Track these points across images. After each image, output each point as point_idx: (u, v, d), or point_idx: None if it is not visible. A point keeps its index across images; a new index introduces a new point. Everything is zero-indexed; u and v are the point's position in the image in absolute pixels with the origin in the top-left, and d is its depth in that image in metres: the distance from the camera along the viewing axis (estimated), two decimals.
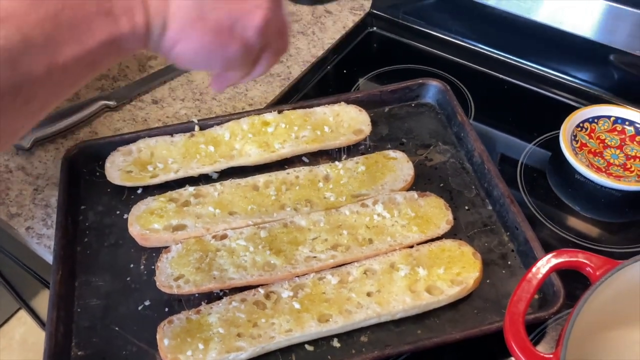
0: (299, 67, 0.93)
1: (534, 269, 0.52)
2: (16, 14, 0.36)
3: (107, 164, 0.75)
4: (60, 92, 0.43)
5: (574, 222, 0.75)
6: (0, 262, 1.25)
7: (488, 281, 0.66)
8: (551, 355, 0.47)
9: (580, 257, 0.52)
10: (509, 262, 0.67)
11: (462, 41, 0.96)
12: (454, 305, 0.64)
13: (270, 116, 0.79)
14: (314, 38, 0.98)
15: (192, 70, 0.49)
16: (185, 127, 0.79)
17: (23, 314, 1.73)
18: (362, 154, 0.78)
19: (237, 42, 0.46)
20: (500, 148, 0.84)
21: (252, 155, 0.76)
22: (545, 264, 0.52)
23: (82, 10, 0.39)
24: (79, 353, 0.62)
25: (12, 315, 1.78)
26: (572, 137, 0.79)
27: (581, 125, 0.80)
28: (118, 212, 0.73)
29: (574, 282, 0.62)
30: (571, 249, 0.54)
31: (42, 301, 1.49)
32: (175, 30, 0.43)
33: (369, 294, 0.63)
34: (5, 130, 0.39)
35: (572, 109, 0.83)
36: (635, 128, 0.80)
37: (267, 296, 0.63)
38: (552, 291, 0.62)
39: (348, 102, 0.81)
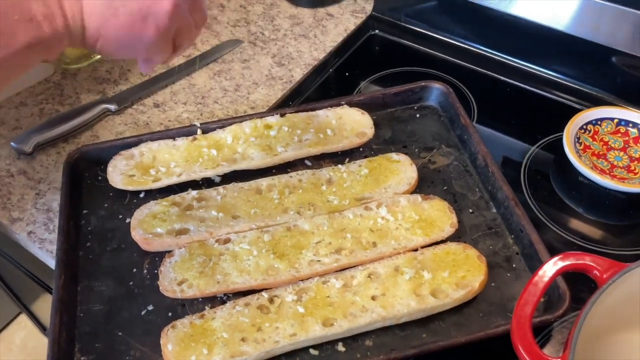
0: (301, 70, 0.93)
1: (540, 272, 0.52)
2: None
3: (109, 168, 0.75)
4: None
5: (578, 224, 0.75)
6: (0, 266, 1.24)
7: (493, 284, 0.65)
8: (559, 359, 0.46)
9: (587, 260, 0.51)
10: (514, 265, 0.67)
11: (464, 43, 0.96)
12: (459, 309, 0.63)
13: (272, 119, 0.79)
14: (315, 41, 0.98)
15: (119, 58, 0.57)
16: (187, 131, 0.78)
17: (23, 319, 1.73)
18: (365, 157, 0.78)
19: (151, 29, 0.51)
20: (503, 151, 0.83)
21: (255, 158, 0.76)
22: (551, 266, 0.52)
23: (6, 18, 0.45)
24: (82, 358, 0.61)
25: (12, 320, 1.77)
26: (576, 140, 0.79)
27: (584, 127, 0.80)
28: (120, 217, 0.72)
29: (579, 285, 0.62)
30: (577, 251, 0.54)
31: (43, 305, 1.48)
32: (93, 29, 0.49)
33: (373, 298, 0.63)
34: None
35: (575, 111, 0.82)
36: (639, 130, 0.80)
37: (271, 300, 0.63)
38: (558, 294, 0.62)
39: (351, 104, 0.81)
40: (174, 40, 0.57)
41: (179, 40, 0.57)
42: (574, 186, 0.77)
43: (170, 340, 0.60)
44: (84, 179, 0.76)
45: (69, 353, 0.61)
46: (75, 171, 0.75)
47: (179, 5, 0.52)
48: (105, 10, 0.48)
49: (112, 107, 0.86)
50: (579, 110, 0.82)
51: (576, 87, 0.89)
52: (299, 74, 0.93)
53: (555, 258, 0.53)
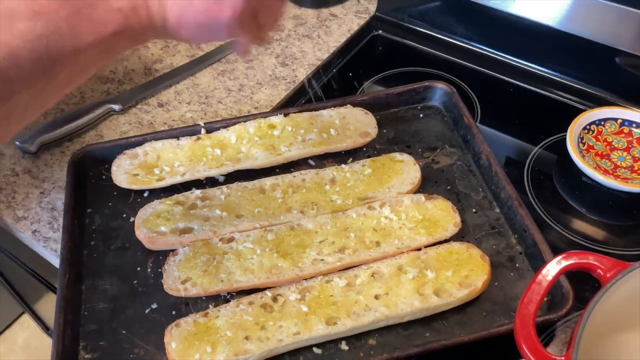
0: (305, 71, 0.93)
1: (544, 271, 0.52)
2: (49, 10, 0.47)
3: (114, 167, 0.75)
4: (81, 72, 0.53)
5: (581, 224, 0.75)
6: (4, 266, 1.24)
7: (496, 284, 0.66)
8: (563, 358, 0.47)
9: (590, 259, 0.51)
10: (517, 265, 0.67)
11: (468, 44, 0.96)
12: (462, 308, 0.64)
13: (276, 119, 0.79)
14: (319, 41, 0.98)
15: (206, 42, 0.59)
16: (191, 130, 0.79)
17: (26, 319, 1.73)
18: (369, 156, 0.78)
19: (228, 10, 0.53)
20: (506, 151, 0.83)
21: (259, 158, 0.76)
22: (555, 265, 0.52)
23: (97, 9, 0.50)
24: (87, 356, 0.62)
25: (15, 320, 1.78)
26: (579, 140, 0.79)
27: (588, 127, 0.80)
28: (124, 215, 0.73)
29: (583, 285, 0.62)
30: (581, 250, 0.54)
31: (46, 306, 1.49)
32: (174, 19, 0.53)
33: (376, 297, 0.63)
34: (35, 102, 0.50)
35: (579, 111, 0.83)
36: None
37: (275, 299, 0.63)
38: (561, 293, 0.62)
39: (354, 104, 0.81)
40: (256, 19, 0.58)
41: (262, 18, 0.59)
42: (577, 186, 0.77)
43: (174, 338, 0.60)
44: (89, 178, 0.77)
45: (73, 351, 0.62)
46: (79, 170, 0.76)
47: None
48: (182, 1, 0.52)
49: (117, 106, 0.86)
50: (582, 111, 0.82)
51: (580, 87, 0.89)
52: (302, 74, 0.93)
53: (559, 257, 0.53)
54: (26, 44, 0.46)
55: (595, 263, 0.51)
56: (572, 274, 0.59)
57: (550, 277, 0.51)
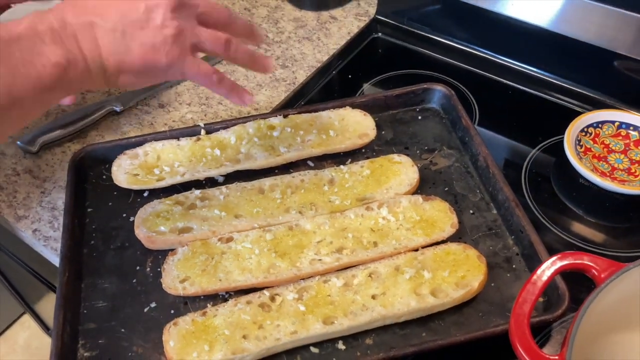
0: (304, 72, 0.94)
1: (539, 271, 0.52)
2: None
3: (114, 167, 0.76)
4: (15, 122, 0.54)
5: (578, 226, 0.75)
6: (4, 266, 1.25)
7: (493, 284, 0.66)
8: (557, 357, 0.47)
9: (585, 260, 0.52)
10: (514, 266, 0.68)
11: (467, 47, 0.96)
12: (459, 308, 0.64)
13: (276, 120, 0.80)
14: (319, 43, 0.99)
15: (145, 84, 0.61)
16: (191, 131, 0.79)
17: (27, 319, 1.74)
18: (367, 157, 0.78)
19: (162, 55, 0.55)
20: (504, 153, 0.84)
21: (258, 158, 0.76)
22: (550, 265, 0.52)
23: (35, 64, 0.51)
24: (85, 354, 0.62)
25: (15, 320, 1.78)
26: (577, 142, 0.79)
27: (585, 130, 0.81)
28: (124, 215, 0.73)
29: (579, 286, 0.63)
30: (576, 251, 0.54)
31: (46, 306, 1.49)
32: (113, 67, 0.54)
33: (373, 297, 0.63)
34: None
35: (576, 114, 0.83)
36: None
37: (273, 298, 0.64)
38: (557, 294, 0.62)
39: (353, 106, 0.82)
40: (196, 48, 0.59)
41: (200, 47, 0.59)
42: (575, 188, 0.78)
43: (172, 337, 0.60)
44: (89, 177, 0.77)
45: (72, 349, 0.62)
46: (80, 170, 0.76)
47: (181, 26, 0.55)
48: (119, 48, 0.53)
49: (118, 107, 0.87)
50: (580, 113, 0.83)
51: (577, 90, 0.89)
52: (302, 75, 0.93)
53: (554, 257, 0.53)
54: None
55: (590, 264, 0.52)
56: (568, 276, 0.60)
57: (545, 278, 0.51)
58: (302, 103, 0.91)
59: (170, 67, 0.56)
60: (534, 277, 0.52)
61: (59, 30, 0.51)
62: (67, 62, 0.51)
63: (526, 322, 0.49)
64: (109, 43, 0.53)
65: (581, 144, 0.80)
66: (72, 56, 0.52)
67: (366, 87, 0.94)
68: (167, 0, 0.55)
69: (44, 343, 1.71)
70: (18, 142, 0.82)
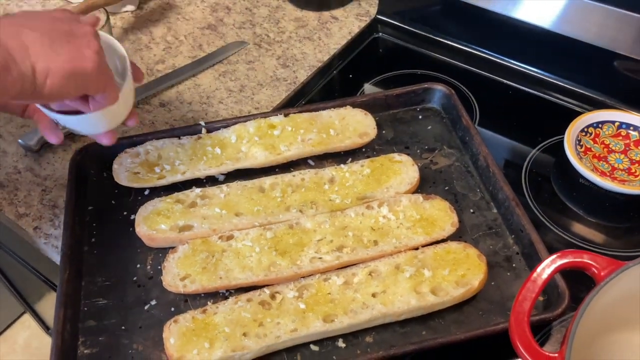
0: (305, 72, 0.94)
1: (539, 269, 0.52)
2: None
3: (115, 166, 0.76)
4: None
5: (578, 226, 0.75)
6: (5, 265, 1.25)
7: (493, 283, 0.66)
8: (556, 355, 0.47)
9: (585, 258, 0.52)
10: (514, 265, 0.68)
11: (467, 47, 0.97)
12: (459, 307, 0.64)
13: (276, 119, 0.80)
14: (320, 43, 0.99)
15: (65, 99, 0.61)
16: (192, 130, 0.80)
17: (27, 318, 1.74)
18: (368, 157, 0.78)
19: (89, 61, 0.57)
20: (504, 153, 0.84)
21: (259, 157, 0.77)
22: (550, 264, 0.52)
23: None
24: (86, 351, 0.62)
25: (15, 320, 1.78)
26: (577, 142, 0.79)
27: (585, 130, 0.81)
28: (125, 213, 0.73)
29: (579, 285, 0.63)
30: (576, 249, 0.54)
31: (47, 305, 1.49)
32: (42, 68, 0.54)
33: (374, 295, 0.63)
34: None
35: (577, 114, 0.83)
36: None
37: (273, 296, 0.64)
38: (557, 293, 0.62)
39: (354, 105, 0.82)
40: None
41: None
42: (575, 188, 0.78)
43: (173, 334, 0.61)
44: (90, 176, 0.77)
45: (72, 346, 0.62)
46: (81, 168, 0.77)
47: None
48: (48, 50, 0.54)
49: None
50: (580, 113, 0.83)
51: (578, 90, 0.89)
52: (303, 75, 0.94)
53: (554, 256, 0.53)
54: None
55: (590, 262, 0.52)
56: (569, 275, 0.60)
57: (545, 276, 0.51)
58: (303, 102, 0.91)
59: (94, 74, 0.57)
60: (534, 275, 0.52)
61: None
62: (2, 65, 0.52)
63: (526, 320, 0.49)
64: (38, 48, 0.54)
65: (581, 143, 0.80)
66: (3, 60, 0.52)
67: (367, 86, 0.94)
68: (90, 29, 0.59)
69: (44, 343, 1.71)
70: (19, 141, 0.83)
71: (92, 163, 0.78)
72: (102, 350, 0.62)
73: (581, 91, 0.89)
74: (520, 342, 0.48)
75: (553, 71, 0.91)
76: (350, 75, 0.96)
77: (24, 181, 0.80)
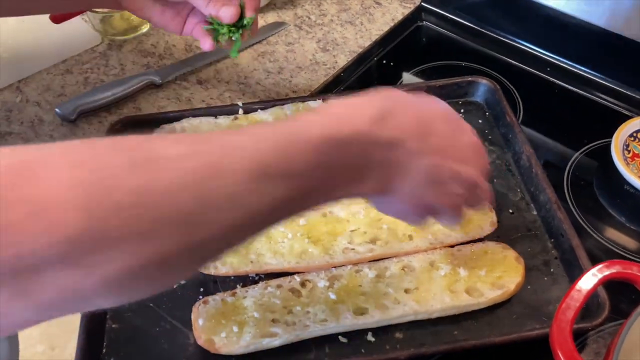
0: (345, 57, 0.92)
1: (584, 278, 0.50)
2: (298, 174, 0.40)
3: None
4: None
5: (620, 233, 0.73)
6: None
7: (529, 287, 0.64)
8: None
9: (634, 270, 0.50)
10: (552, 270, 0.66)
11: (514, 41, 0.94)
12: (493, 309, 0.62)
13: (314, 104, 0.78)
14: (361, 28, 0.97)
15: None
16: (229, 110, 0.78)
17: None
18: None
19: (430, 213, 0.52)
20: (546, 154, 0.81)
21: None
22: (596, 273, 0.50)
23: (344, 177, 0.44)
24: (113, 325, 0.62)
25: None
26: (624, 147, 0.77)
27: (634, 135, 0.78)
28: None
29: (618, 295, 0.61)
30: (624, 260, 0.52)
31: None
32: (392, 198, 0.48)
33: (406, 291, 0.62)
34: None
35: (625, 118, 0.80)
36: None
37: (303, 284, 0.63)
38: (597, 303, 0.60)
39: None
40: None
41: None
42: (619, 194, 0.75)
43: (201, 315, 0.60)
44: None
45: (100, 320, 0.62)
46: None
47: (459, 204, 0.52)
48: (415, 190, 0.48)
49: (156, 79, 0.86)
50: (628, 117, 0.80)
51: (628, 93, 0.86)
52: (343, 60, 0.92)
53: (600, 265, 0.51)
54: (263, 208, 0.39)
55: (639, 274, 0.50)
56: (608, 284, 0.57)
57: (591, 285, 0.50)
58: (342, 89, 0.89)
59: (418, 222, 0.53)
60: (579, 283, 0.50)
61: (384, 145, 0.45)
62: (369, 183, 0.46)
63: (569, 329, 0.48)
64: (412, 181, 0.47)
65: (629, 149, 0.77)
66: (381, 177, 0.46)
67: (406, 76, 0.92)
68: (476, 177, 0.50)
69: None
70: (56, 110, 0.82)
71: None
72: (128, 326, 0.62)
73: (631, 94, 0.86)
74: (562, 351, 0.46)
75: (603, 72, 0.87)
76: (391, 64, 0.93)
77: None
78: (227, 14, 0.65)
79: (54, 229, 0.31)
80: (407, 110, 0.47)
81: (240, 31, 0.68)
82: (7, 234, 0.30)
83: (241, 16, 0.67)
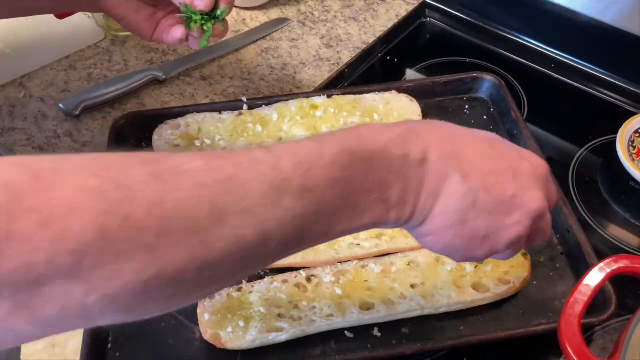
0: (349, 53, 0.92)
1: (592, 272, 0.50)
2: (320, 188, 0.38)
3: (155, 137, 0.75)
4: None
5: (625, 230, 0.73)
6: None
7: (535, 283, 0.64)
8: None
9: None
10: (558, 265, 0.66)
11: (518, 37, 0.93)
12: (499, 304, 0.62)
13: (319, 100, 0.78)
14: (365, 25, 0.97)
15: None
16: (233, 105, 0.78)
17: None
18: None
19: (485, 248, 0.46)
20: (551, 150, 0.81)
21: (300, 137, 0.75)
22: (605, 267, 0.50)
23: (367, 196, 0.41)
24: None
25: None
26: (630, 143, 0.77)
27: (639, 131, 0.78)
28: None
29: (624, 291, 0.61)
30: (631, 255, 0.52)
31: None
32: (433, 227, 0.44)
33: (412, 286, 0.62)
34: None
35: (630, 114, 0.80)
36: None
37: (309, 279, 0.63)
38: (603, 298, 0.60)
39: (399, 90, 0.80)
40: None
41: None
42: (624, 191, 0.75)
43: (207, 310, 0.60)
44: (129, 145, 0.77)
45: None
46: (121, 136, 0.76)
47: (524, 235, 0.46)
48: (455, 216, 0.43)
49: (160, 75, 0.86)
50: (633, 114, 0.80)
51: (633, 89, 0.86)
52: (347, 56, 0.92)
53: (608, 260, 0.51)
54: (281, 225, 0.37)
55: None
56: (614, 280, 0.57)
57: (599, 280, 0.50)
58: (345, 85, 0.89)
59: (477, 259, 0.47)
60: (587, 278, 0.50)
61: (414, 164, 0.42)
62: (397, 202, 0.42)
63: (577, 324, 0.48)
64: (450, 206, 0.43)
65: (634, 145, 0.77)
66: (405, 198, 0.42)
67: (409, 72, 0.92)
68: (541, 203, 0.45)
69: None
70: (60, 105, 0.82)
71: (132, 132, 0.77)
72: (134, 321, 0.62)
73: (636, 90, 0.85)
74: (570, 346, 0.46)
75: (608, 68, 0.87)
76: (395, 60, 0.93)
77: (63, 146, 0.80)
78: (202, 2, 0.65)
79: (62, 239, 0.29)
80: (436, 129, 0.45)
81: (213, 21, 0.67)
82: (13, 244, 0.28)
83: (215, 7, 0.67)
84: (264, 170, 0.37)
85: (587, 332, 0.62)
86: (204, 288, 0.37)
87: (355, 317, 0.60)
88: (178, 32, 0.68)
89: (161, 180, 0.33)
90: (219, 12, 0.67)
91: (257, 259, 0.38)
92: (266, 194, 0.36)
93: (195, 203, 0.33)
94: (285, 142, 0.40)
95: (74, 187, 0.31)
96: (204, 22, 0.67)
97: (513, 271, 0.63)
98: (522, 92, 0.87)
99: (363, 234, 0.66)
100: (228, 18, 0.69)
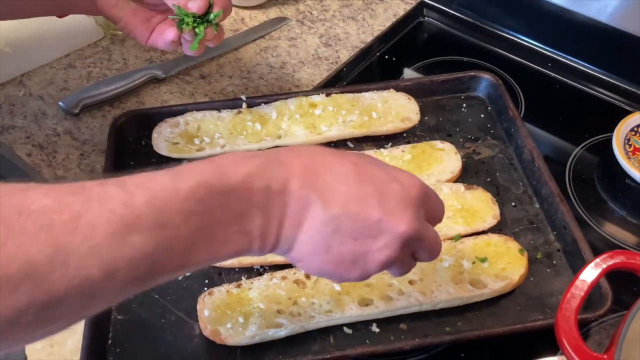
0: (348, 52, 0.93)
1: (588, 268, 0.51)
2: (173, 224, 0.38)
3: (154, 135, 0.76)
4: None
5: (621, 227, 0.73)
6: None
7: (532, 279, 0.65)
8: (605, 356, 0.46)
9: (638, 260, 0.50)
10: (554, 262, 0.66)
11: (515, 37, 0.94)
12: (496, 300, 0.63)
13: (318, 98, 0.79)
14: (363, 24, 0.97)
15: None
16: (232, 104, 0.79)
17: None
18: (408, 142, 0.77)
19: (357, 271, 0.47)
20: (548, 148, 0.82)
21: (299, 136, 0.76)
22: (601, 263, 0.51)
23: (227, 228, 0.41)
24: (119, 317, 0.62)
25: None
26: (626, 141, 0.77)
27: (636, 129, 0.78)
28: None
29: (620, 287, 0.61)
30: (627, 250, 0.53)
31: None
32: (299, 254, 0.45)
33: (411, 282, 0.62)
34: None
35: (626, 112, 0.81)
36: None
37: (307, 276, 0.63)
38: (599, 294, 0.61)
39: (397, 89, 0.81)
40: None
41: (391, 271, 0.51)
42: (620, 188, 0.76)
43: (207, 306, 0.60)
44: (129, 143, 0.77)
45: (106, 311, 0.62)
46: (120, 135, 0.76)
47: (396, 258, 0.46)
48: (319, 244, 0.44)
49: (159, 73, 0.86)
50: (629, 112, 0.80)
51: (629, 88, 0.86)
52: (345, 55, 0.92)
53: (604, 255, 0.52)
54: (130, 262, 0.36)
55: None
56: (610, 275, 0.58)
57: (595, 275, 0.50)
58: (344, 84, 0.89)
59: (352, 280, 0.48)
60: (584, 273, 0.51)
61: (275, 195, 0.42)
62: (259, 234, 0.43)
63: (573, 318, 0.48)
64: (312, 234, 0.44)
65: (630, 143, 0.78)
66: (267, 231, 0.43)
67: (407, 71, 0.93)
68: (410, 226, 0.45)
69: None
70: (60, 103, 0.82)
71: (131, 130, 0.77)
72: (134, 317, 0.62)
73: (632, 89, 0.86)
74: (567, 340, 0.47)
75: (604, 67, 0.88)
76: (393, 59, 0.94)
77: (62, 144, 0.80)
78: (195, 4, 0.65)
79: None
80: (301, 158, 0.45)
81: (205, 25, 0.67)
82: None
83: (209, 11, 0.66)
84: (114, 207, 0.36)
85: (584, 327, 0.62)
86: (48, 325, 0.36)
87: (353, 313, 0.60)
88: (170, 34, 0.68)
89: (3, 223, 0.33)
90: (212, 16, 0.66)
91: (106, 295, 0.37)
92: (114, 233, 0.36)
93: (38, 246, 0.33)
94: (142, 174, 0.39)
95: None
96: (195, 25, 0.66)
97: (510, 267, 0.63)
98: (519, 91, 0.87)
99: None
100: (228, 18, 0.69)
